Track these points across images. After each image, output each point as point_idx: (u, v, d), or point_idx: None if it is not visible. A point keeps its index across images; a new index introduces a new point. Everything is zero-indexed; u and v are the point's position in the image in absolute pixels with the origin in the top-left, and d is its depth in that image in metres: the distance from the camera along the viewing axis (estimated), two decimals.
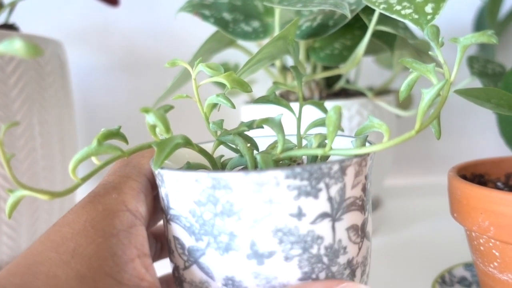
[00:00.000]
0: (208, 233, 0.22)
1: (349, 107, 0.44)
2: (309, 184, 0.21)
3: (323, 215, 0.22)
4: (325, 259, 0.22)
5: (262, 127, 0.27)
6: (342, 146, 0.27)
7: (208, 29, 0.46)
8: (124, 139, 0.24)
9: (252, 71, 0.35)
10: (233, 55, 0.57)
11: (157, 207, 0.27)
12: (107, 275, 0.20)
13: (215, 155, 0.27)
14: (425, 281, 0.37)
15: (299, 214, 0.21)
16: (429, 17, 0.30)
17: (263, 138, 0.29)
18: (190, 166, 0.26)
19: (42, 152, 0.43)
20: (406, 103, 0.56)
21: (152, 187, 0.26)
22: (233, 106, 0.27)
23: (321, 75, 0.39)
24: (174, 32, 0.67)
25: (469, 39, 0.23)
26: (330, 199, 0.22)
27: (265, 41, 0.45)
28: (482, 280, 0.31)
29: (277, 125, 0.25)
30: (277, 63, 0.46)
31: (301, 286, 0.22)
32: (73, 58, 0.52)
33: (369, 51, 0.45)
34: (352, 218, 0.23)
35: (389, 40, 0.42)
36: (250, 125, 0.27)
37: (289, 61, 0.57)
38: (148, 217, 0.25)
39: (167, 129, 0.22)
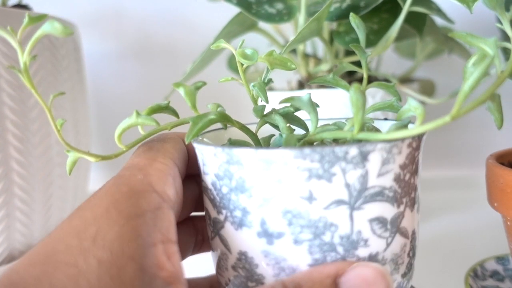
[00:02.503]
0: (225, 207, 0.22)
1: (373, 94, 0.43)
2: (321, 167, 0.19)
3: (339, 202, 0.20)
4: (339, 249, 0.20)
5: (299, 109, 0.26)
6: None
7: (222, 15, 0.44)
8: (175, 113, 0.25)
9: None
10: (251, 39, 0.55)
11: (192, 193, 0.26)
12: (131, 258, 0.18)
13: (263, 135, 0.27)
14: (456, 274, 0.36)
15: (310, 198, 0.20)
16: None
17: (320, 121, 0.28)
18: (232, 143, 0.26)
19: (57, 137, 0.41)
20: (429, 90, 0.54)
21: (180, 172, 0.24)
22: (267, 101, 0.25)
23: (349, 59, 0.38)
24: (188, 19, 0.65)
25: None
26: (347, 185, 0.20)
27: (288, 24, 0.43)
28: None
29: (305, 104, 0.24)
30: (300, 48, 0.45)
31: (311, 270, 0.20)
32: (84, 43, 0.50)
33: (396, 36, 0.43)
34: (377, 209, 0.21)
35: (418, 24, 0.41)
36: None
37: (308, 48, 0.55)
38: (178, 202, 0.23)
39: (193, 105, 0.23)
